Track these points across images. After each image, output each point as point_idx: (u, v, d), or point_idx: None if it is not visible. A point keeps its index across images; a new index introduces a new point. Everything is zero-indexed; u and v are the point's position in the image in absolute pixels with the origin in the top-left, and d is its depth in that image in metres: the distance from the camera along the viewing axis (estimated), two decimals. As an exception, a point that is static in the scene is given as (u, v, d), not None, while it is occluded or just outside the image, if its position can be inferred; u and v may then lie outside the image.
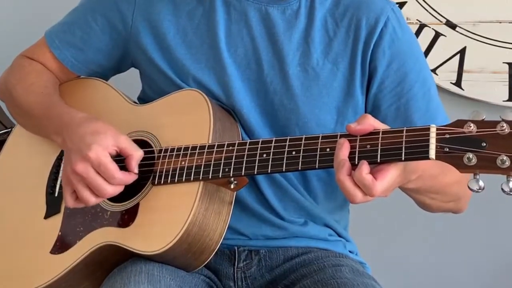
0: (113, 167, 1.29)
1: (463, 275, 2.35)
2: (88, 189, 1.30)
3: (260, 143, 1.27)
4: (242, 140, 1.39)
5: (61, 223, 1.43)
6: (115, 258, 1.36)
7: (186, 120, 1.38)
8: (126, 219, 1.35)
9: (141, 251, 1.30)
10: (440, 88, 2.21)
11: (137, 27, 1.46)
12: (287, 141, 1.25)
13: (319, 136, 1.22)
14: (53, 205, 1.46)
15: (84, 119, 1.37)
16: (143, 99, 1.52)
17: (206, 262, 1.35)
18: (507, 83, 2.17)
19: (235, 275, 1.44)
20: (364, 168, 1.13)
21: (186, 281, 1.34)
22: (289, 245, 1.46)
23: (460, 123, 1.09)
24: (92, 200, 1.31)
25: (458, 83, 2.21)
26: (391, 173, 1.14)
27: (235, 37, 1.42)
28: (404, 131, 1.13)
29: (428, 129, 1.11)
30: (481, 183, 1.07)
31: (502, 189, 1.06)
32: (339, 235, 1.51)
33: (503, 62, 2.18)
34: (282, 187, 1.42)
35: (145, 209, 1.34)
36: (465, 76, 2.20)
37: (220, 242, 1.34)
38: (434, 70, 2.21)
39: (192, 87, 1.41)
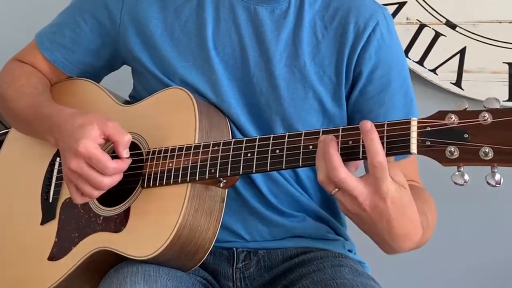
0: (104, 158, 1.27)
1: (462, 275, 2.34)
2: (88, 183, 1.29)
3: (244, 142, 1.26)
4: (231, 134, 1.38)
5: (57, 229, 1.43)
6: (111, 262, 1.35)
7: (172, 120, 1.37)
8: (118, 223, 1.34)
9: (134, 256, 1.29)
10: (440, 88, 2.22)
11: (125, 26, 1.45)
12: (271, 139, 1.23)
13: (302, 133, 1.20)
14: (48, 211, 1.46)
15: (70, 115, 1.35)
16: (134, 96, 1.52)
17: (201, 262, 1.34)
18: (507, 83, 2.17)
19: (234, 275, 1.43)
20: (334, 144, 1.11)
21: (183, 281, 1.33)
22: (288, 246, 1.45)
23: (442, 114, 1.06)
24: (94, 193, 1.30)
25: (458, 83, 2.21)
26: (360, 182, 1.10)
27: (223, 35, 1.41)
28: (385, 125, 1.11)
29: (409, 122, 1.09)
30: (466, 177, 1.04)
31: (487, 182, 1.03)
32: (337, 233, 1.50)
33: (503, 62, 2.18)
34: (277, 182, 1.41)
35: (136, 213, 1.33)
36: (465, 76, 2.20)
37: (214, 241, 1.33)
38: (434, 70, 2.22)
39: (178, 85, 1.40)
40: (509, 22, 2.17)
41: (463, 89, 2.20)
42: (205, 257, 1.34)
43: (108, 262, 1.35)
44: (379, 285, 1.35)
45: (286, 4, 1.41)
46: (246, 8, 1.41)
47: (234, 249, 1.43)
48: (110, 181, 1.29)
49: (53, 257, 1.41)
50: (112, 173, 1.29)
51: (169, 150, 1.33)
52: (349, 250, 1.50)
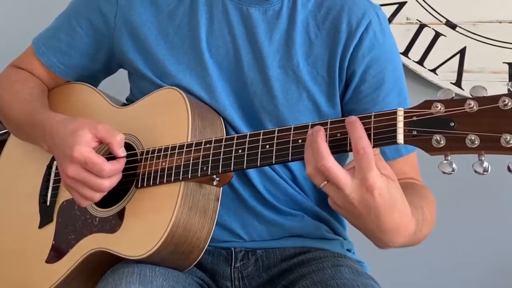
0: (99, 160, 1.28)
1: (462, 275, 2.33)
2: (87, 187, 1.30)
3: (235, 138, 1.26)
4: (225, 133, 1.38)
5: (54, 232, 1.43)
6: (108, 263, 1.35)
7: (165, 120, 1.37)
8: (114, 224, 1.35)
9: (128, 256, 1.29)
10: (440, 88, 2.21)
11: (120, 30, 1.45)
12: (261, 134, 1.22)
13: (291, 128, 1.19)
14: (46, 214, 1.46)
15: (60, 122, 1.36)
16: (131, 99, 1.51)
17: (196, 261, 1.34)
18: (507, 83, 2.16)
19: (232, 275, 1.43)
20: (322, 134, 1.10)
21: (180, 281, 1.33)
22: (286, 246, 1.45)
23: (428, 104, 1.06)
24: (95, 196, 1.31)
25: (458, 83, 2.20)
26: (347, 173, 1.08)
27: (216, 37, 1.41)
28: (372, 117, 1.10)
29: (395, 112, 1.07)
30: (454, 166, 1.03)
31: (474, 170, 1.01)
32: (336, 233, 1.50)
33: (503, 62, 2.18)
34: (273, 180, 1.41)
35: (130, 213, 1.34)
36: (465, 76, 2.20)
37: (209, 240, 1.33)
38: (434, 70, 2.22)
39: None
40: (509, 22, 2.17)
41: (463, 89, 2.19)
42: (200, 256, 1.34)
43: (105, 263, 1.35)
44: (378, 285, 1.35)
45: (279, 5, 1.40)
46: (239, 9, 1.41)
47: (232, 248, 1.43)
48: (109, 182, 1.30)
49: (51, 259, 1.42)
50: (110, 174, 1.29)
51: (162, 149, 1.33)
52: (347, 250, 1.50)
